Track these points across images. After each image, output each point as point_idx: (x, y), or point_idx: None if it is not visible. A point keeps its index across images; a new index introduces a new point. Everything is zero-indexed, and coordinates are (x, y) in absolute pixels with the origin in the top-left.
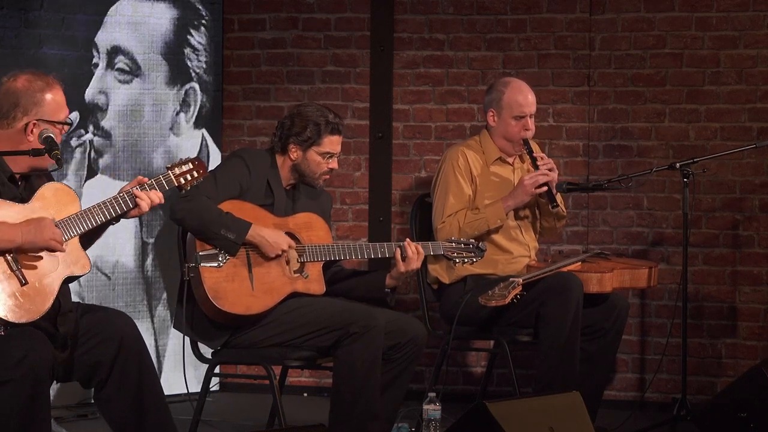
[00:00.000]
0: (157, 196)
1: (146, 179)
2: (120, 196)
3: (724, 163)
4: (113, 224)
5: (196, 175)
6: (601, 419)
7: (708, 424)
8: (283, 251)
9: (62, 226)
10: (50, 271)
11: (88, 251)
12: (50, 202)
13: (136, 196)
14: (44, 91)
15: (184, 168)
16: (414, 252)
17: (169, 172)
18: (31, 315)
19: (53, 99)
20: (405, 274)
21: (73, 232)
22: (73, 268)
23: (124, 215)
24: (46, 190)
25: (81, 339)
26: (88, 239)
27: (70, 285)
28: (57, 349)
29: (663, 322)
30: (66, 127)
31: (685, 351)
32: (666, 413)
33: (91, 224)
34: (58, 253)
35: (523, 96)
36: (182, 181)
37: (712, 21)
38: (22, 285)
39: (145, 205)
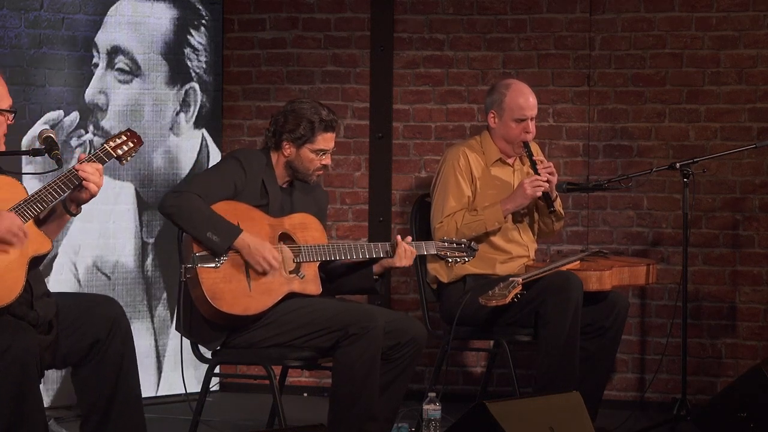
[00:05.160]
0: (94, 167)
1: (84, 155)
2: (63, 175)
3: (724, 163)
4: (73, 215)
5: (131, 145)
6: (601, 419)
7: (708, 424)
8: (266, 263)
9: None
10: (13, 256)
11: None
12: None
13: (77, 170)
14: None
15: (119, 141)
16: (403, 251)
17: (105, 145)
18: (2, 300)
19: None
20: (394, 269)
21: (26, 217)
22: (35, 246)
23: (77, 198)
24: None
25: (75, 324)
26: (44, 227)
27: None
28: (42, 333)
29: (663, 322)
30: (10, 116)
31: (685, 351)
32: (666, 413)
33: (42, 206)
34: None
35: (524, 99)
36: (119, 152)
37: (712, 21)
38: None
39: (90, 177)
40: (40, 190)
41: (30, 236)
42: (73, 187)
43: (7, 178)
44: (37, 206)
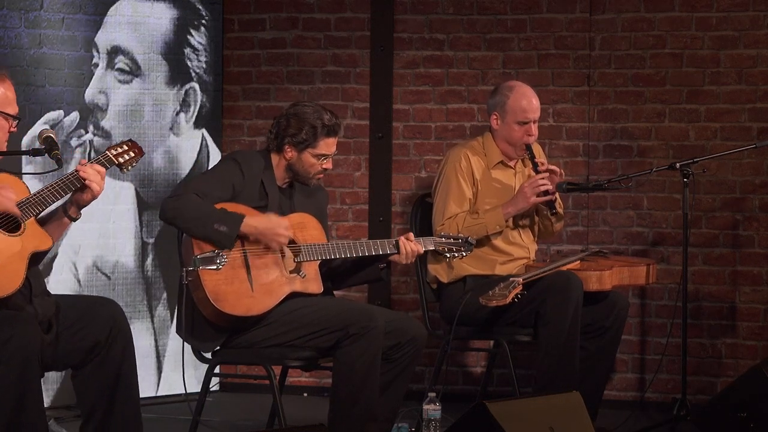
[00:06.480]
0: (96, 169)
1: (85, 160)
2: (65, 177)
3: (724, 163)
4: (74, 220)
5: (132, 155)
6: (601, 419)
7: (708, 424)
8: (281, 239)
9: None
10: (14, 250)
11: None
12: None
13: (79, 171)
14: None
15: (120, 150)
16: (409, 250)
17: (107, 152)
18: (2, 291)
19: (3, 93)
20: (395, 265)
21: (28, 215)
22: (36, 243)
23: (79, 200)
24: None
25: (75, 326)
26: (44, 228)
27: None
28: (42, 332)
29: (663, 322)
30: (14, 123)
31: (685, 351)
32: (666, 413)
33: (43, 207)
34: (19, 234)
35: (527, 101)
36: (120, 160)
37: (712, 21)
38: None
39: (92, 177)
40: (41, 191)
41: (31, 233)
42: (74, 189)
43: (9, 176)
44: (37, 206)
